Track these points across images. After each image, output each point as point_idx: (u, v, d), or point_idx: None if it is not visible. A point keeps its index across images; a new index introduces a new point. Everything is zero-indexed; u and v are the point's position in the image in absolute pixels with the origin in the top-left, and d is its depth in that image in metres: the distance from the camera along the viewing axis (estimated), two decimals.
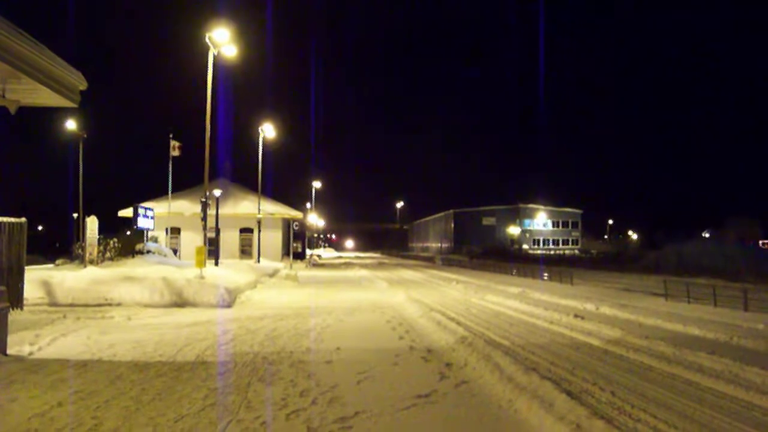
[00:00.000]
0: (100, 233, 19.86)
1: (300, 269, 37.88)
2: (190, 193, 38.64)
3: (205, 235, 21.70)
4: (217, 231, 29.62)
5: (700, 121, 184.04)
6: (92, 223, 19.18)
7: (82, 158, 34.90)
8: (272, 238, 41.97)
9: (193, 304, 15.23)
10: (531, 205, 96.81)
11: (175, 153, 30.18)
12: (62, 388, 6.62)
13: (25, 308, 13.27)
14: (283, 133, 61.19)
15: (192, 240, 35.42)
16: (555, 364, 8.11)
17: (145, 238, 22.91)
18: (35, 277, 15.16)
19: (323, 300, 17.50)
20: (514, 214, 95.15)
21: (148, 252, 22.12)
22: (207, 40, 20.41)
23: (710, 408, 6.02)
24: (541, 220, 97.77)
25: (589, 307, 15.05)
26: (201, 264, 18.11)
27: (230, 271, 21.84)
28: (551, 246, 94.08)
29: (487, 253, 66.59)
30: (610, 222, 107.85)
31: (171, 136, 29.85)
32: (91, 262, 18.75)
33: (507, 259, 52.22)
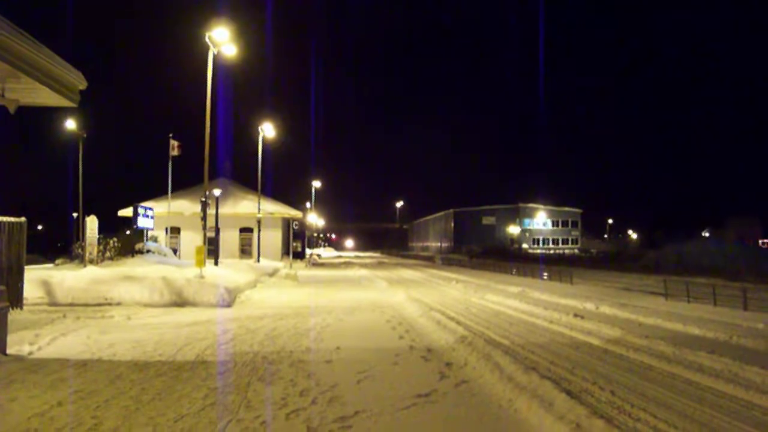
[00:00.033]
0: (99, 233, 19.84)
1: (300, 269, 37.87)
2: (190, 192, 38.65)
3: (204, 235, 21.69)
4: (217, 230, 29.63)
5: (700, 121, 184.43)
6: (92, 223, 19.16)
7: (81, 158, 34.87)
8: (272, 238, 41.96)
9: (192, 304, 15.23)
10: (531, 205, 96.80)
11: (175, 152, 30.18)
12: (62, 387, 6.62)
13: (24, 308, 13.26)
14: (283, 132, 61.26)
15: (192, 239, 35.42)
16: (555, 363, 8.11)
17: (144, 238, 22.90)
18: (35, 276, 15.16)
19: (323, 299, 17.50)
20: (513, 213, 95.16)
21: (148, 251, 22.11)
22: (207, 39, 20.39)
23: (710, 407, 6.02)
24: (540, 220, 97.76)
25: (589, 306, 15.05)
26: (201, 263, 18.11)
27: (230, 271, 21.85)
28: (551, 245, 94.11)
29: (486, 252, 66.64)
30: (610, 221, 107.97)
31: (171, 135, 29.86)
32: (91, 261, 18.74)
33: (507, 258, 52.26)
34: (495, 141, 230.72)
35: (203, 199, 22.04)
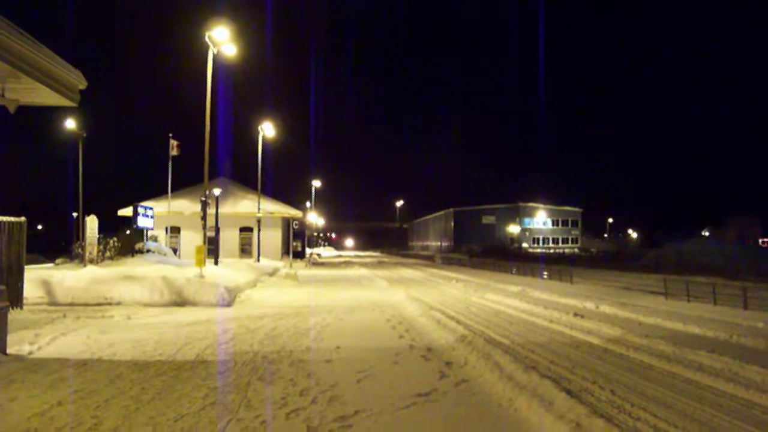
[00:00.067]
0: (99, 232, 19.84)
1: (300, 268, 37.87)
2: (190, 192, 38.65)
3: (204, 234, 21.69)
4: (217, 230, 29.64)
5: (700, 121, 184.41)
6: (92, 223, 19.16)
7: (81, 157, 34.87)
8: (272, 237, 41.97)
9: (192, 303, 15.23)
10: (531, 204, 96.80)
11: (175, 152, 30.21)
12: (62, 387, 6.62)
13: (24, 307, 13.26)
14: (282, 132, 61.27)
15: (192, 239, 35.44)
16: (555, 362, 8.11)
17: (144, 238, 22.89)
18: (35, 276, 15.16)
19: (323, 299, 17.50)
20: (513, 212, 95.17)
21: (148, 251, 22.10)
22: (207, 39, 20.38)
23: (710, 406, 6.02)
24: (540, 219, 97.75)
25: (589, 305, 15.05)
26: (201, 263, 18.11)
27: (230, 270, 21.86)
28: (551, 245, 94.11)
29: (486, 251, 66.66)
30: (610, 221, 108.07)
31: (171, 135, 29.87)
32: (91, 261, 18.74)
33: (507, 257, 52.29)
34: (495, 141, 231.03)
35: (203, 199, 22.04)
